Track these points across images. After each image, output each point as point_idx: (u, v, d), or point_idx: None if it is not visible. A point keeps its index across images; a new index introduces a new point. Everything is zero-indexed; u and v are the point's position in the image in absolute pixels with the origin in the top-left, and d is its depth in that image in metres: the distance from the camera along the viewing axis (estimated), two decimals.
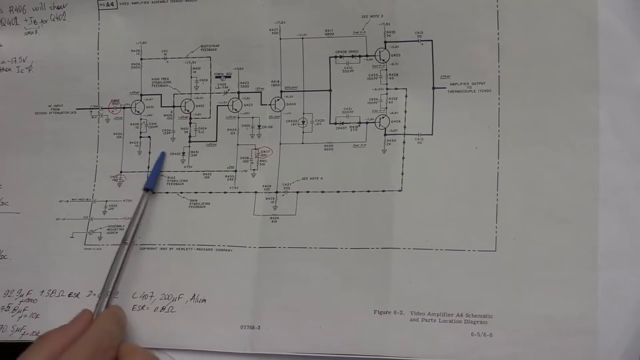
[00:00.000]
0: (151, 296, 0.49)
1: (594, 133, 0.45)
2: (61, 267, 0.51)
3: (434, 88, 0.48)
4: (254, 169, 0.50)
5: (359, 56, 0.49)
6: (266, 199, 0.50)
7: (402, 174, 0.48)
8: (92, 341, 0.42)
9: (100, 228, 0.51)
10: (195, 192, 0.51)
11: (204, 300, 0.49)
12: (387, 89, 0.49)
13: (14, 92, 0.54)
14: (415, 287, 0.46)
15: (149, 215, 0.51)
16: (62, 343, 0.42)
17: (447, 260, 0.46)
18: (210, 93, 0.51)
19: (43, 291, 0.51)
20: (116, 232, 0.51)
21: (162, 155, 0.52)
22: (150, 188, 0.51)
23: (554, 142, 0.46)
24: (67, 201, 0.52)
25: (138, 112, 0.52)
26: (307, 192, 0.49)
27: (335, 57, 0.49)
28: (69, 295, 0.50)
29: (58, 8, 0.53)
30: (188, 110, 0.52)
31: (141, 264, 0.50)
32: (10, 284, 0.51)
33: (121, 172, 0.52)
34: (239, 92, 0.51)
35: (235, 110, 0.51)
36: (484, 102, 0.47)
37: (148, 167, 0.52)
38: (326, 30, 0.49)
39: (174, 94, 0.52)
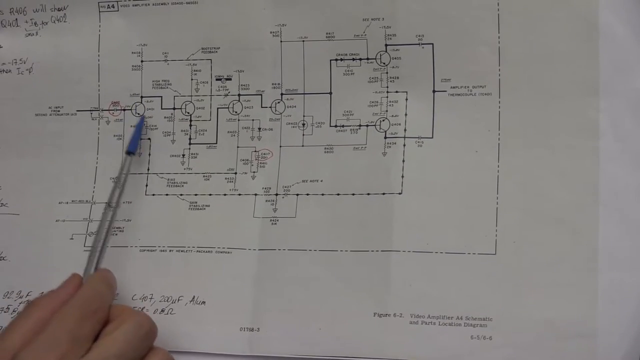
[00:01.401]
0: (151, 298, 0.49)
1: (594, 136, 0.45)
2: (61, 268, 0.50)
3: (434, 91, 0.48)
4: (254, 172, 0.50)
5: (360, 59, 0.49)
6: (266, 201, 0.50)
7: (402, 176, 0.48)
8: (81, 303, 0.42)
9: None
10: (195, 194, 0.51)
11: (204, 302, 0.49)
12: (387, 92, 0.49)
13: (14, 94, 0.54)
14: (415, 290, 0.46)
15: (149, 217, 0.51)
16: (51, 307, 0.41)
17: (447, 263, 0.46)
18: (211, 95, 0.52)
19: (42, 293, 0.50)
20: (116, 234, 0.51)
21: (142, 119, 0.52)
22: (131, 151, 0.51)
23: (554, 145, 0.46)
24: (67, 203, 0.52)
25: (138, 114, 0.52)
26: (307, 194, 0.49)
27: (336, 60, 0.49)
28: None
29: (59, 10, 0.53)
30: (188, 113, 0.52)
31: (141, 266, 0.50)
32: (10, 286, 0.51)
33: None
34: (239, 95, 0.51)
35: (236, 112, 0.51)
36: (484, 105, 0.47)
37: (148, 170, 0.52)
38: (327, 33, 0.49)
39: (174, 96, 0.52)
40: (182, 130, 0.52)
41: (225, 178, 0.51)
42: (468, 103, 0.47)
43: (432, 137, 0.48)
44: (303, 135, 0.50)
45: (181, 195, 0.51)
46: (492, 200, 0.46)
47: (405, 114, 0.49)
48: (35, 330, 0.40)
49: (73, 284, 0.44)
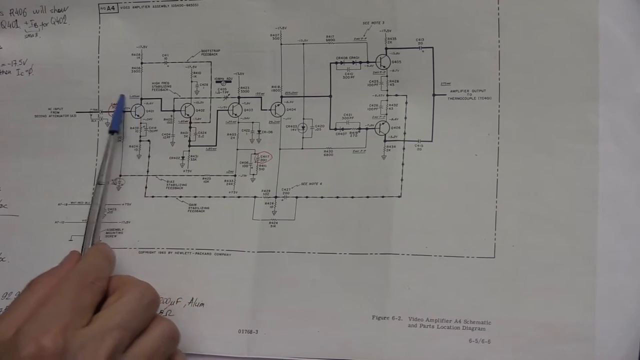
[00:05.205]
0: None
1: (594, 141, 0.45)
2: None
3: (434, 95, 0.48)
4: (253, 174, 0.51)
5: (360, 62, 0.49)
6: (265, 203, 0.50)
7: (402, 180, 0.48)
8: (79, 275, 0.43)
9: (99, 232, 0.51)
10: (195, 197, 0.51)
11: (202, 304, 0.49)
12: (387, 95, 0.49)
13: (13, 95, 0.54)
14: (414, 293, 0.46)
15: (148, 219, 0.51)
16: (52, 283, 0.42)
17: (445, 267, 0.46)
18: (211, 98, 0.52)
19: None
20: (115, 236, 0.51)
21: (122, 97, 0.52)
22: (115, 130, 0.51)
23: (553, 149, 0.46)
24: (66, 204, 0.52)
25: (138, 116, 0.52)
26: (307, 197, 0.49)
27: (336, 63, 0.50)
28: None
29: (59, 11, 0.53)
30: (188, 115, 0.52)
31: (140, 268, 0.50)
32: (8, 287, 0.51)
33: (120, 175, 0.52)
34: (239, 97, 0.51)
35: (235, 115, 0.51)
36: (484, 109, 0.47)
37: (147, 171, 0.52)
38: (327, 36, 0.50)
39: (174, 98, 0.52)
40: (181, 132, 0.52)
41: (225, 180, 0.51)
42: (468, 107, 0.47)
43: (431, 141, 0.48)
44: (302, 138, 0.50)
45: (180, 197, 0.51)
46: (492, 204, 0.46)
47: (405, 118, 0.49)
48: (37, 306, 0.41)
49: (72, 260, 0.46)
